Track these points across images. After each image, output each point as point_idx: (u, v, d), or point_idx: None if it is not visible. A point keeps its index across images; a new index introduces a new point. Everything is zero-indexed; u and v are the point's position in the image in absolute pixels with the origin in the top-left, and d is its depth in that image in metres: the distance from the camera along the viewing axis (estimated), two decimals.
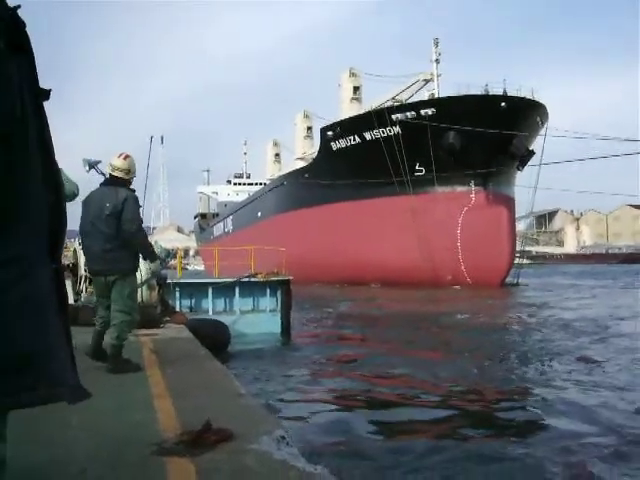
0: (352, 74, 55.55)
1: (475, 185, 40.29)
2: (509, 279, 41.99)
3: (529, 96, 39.99)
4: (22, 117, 1.45)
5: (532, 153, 41.22)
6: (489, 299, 29.23)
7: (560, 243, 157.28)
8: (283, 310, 16.76)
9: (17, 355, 1.39)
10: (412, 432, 7.65)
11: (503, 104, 37.75)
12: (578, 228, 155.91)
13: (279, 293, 16.91)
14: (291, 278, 17.27)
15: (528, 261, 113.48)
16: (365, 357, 13.46)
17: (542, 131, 41.96)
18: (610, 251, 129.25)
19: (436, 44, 45.28)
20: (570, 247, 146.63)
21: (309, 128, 63.68)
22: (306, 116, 65.39)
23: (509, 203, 42.54)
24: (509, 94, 39.20)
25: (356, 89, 55.39)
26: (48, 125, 1.61)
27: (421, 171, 40.35)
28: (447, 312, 22.39)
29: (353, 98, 54.83)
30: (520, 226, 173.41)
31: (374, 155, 40.23)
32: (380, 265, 40.58)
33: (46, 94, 1.62)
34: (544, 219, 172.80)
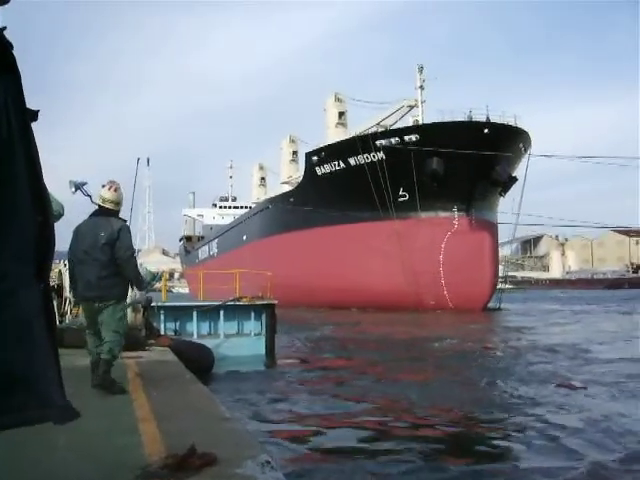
0: (337, 99, 56.13)
1: (458, 211, 40.69)
2: (491, 304, 42.34)
3: (512, 122, 40.55)
4: (8, 137, 1.44)
5: (514, 179, 41.78)
6: (471, 324, 29.43)
7: (545, 268, 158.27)
8: (268, 334, 16.78)
9: (4, 375, 1.35)
10: (393, 455, 7.61)
11: (486, 130, 38.25)
12: (563, 253, 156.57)
13: (264, 317, 16.94)
14: (276, 302, 17.29)
15: (510, 286, 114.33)
16: (348, 381, 13.51)
17: (525, 157, 42.62)
18: (595, 276, 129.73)
19: (420, 71, 45.87)
20: (555, 272, 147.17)
21: (294, 152, 64.17)
22: (292, 141, 65.92)
23: (492, 228, 42.98)
24: (492, 120, 39.68)
25: (341, 114, 55.93)
26: (36, 145, 1.61)
27: (405, 196, 40.72)
28: (429, 336, 22.53)
29: (338, 123, 55.35)
30: (505, 251, 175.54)
31: (358, 180, 40.61)
32: (364, 289, 40.75)
33: (34, 114, 1.64)
34: (529, 244, 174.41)
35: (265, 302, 17.17)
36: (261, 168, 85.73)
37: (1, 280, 1.32)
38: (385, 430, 8.96)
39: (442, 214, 40.91)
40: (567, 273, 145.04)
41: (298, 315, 33.41)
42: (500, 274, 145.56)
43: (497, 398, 11.38)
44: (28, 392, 1.40)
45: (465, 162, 37.08)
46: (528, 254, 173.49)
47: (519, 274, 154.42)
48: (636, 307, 44.42)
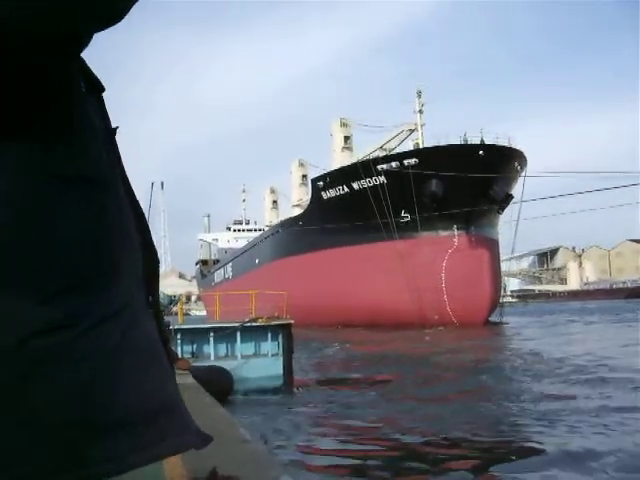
0: (343, 124, 58.13)
1: (458, 229, 42.40)
2: (493, 318, 43.94)
3: (506, 143, 42.30)
4: (108, 159, 1.39)
5: (511, 197, 43.54)
6: (471, 339, 30.35)
7: (563, 280, 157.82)
8: (285, 354, 16.62)
9: (145, 406, 1.31)
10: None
11: (481, 152, 40.01)
12: (581, 264, 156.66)
13: (280, 337, 16.84)
14: (292, 322, 17.26)
15: (515, 299, 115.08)
16: (365, 401, 13.38)
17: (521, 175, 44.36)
18: (615, 286, 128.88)
19: (419, 95, 47.93)
20: (573, 284, 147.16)
21: (304, 176, 65.94)
22: (301, 164, 67.85)
23: (491, 245, 44.59)
24: (487, 142, 41.47)
25: (347, 138, 57.99)
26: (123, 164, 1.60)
27: (406, 217, 42.49)
28: (436, 352, 23.19)
29: (344, 147, 57.38)
30: (523, 264, 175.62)
31: (362, 203, 42.52)
32: (371, 307, 42.46)
33: (114, 132, 1.57)
34: (546, 257, 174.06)
35: (281, 322, 17.12)
36: (272, 191, 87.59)
37: (123, 310, 1.25)
38: (404, 451, 8.92)
39: (442, 233, 42.65)
40: (585, 284, 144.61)
41: (307, 334, 34.41)
42: (516, 287, 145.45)
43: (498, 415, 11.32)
44: (167, 421, 1.34)
45: (463, 183, 38.79)
46: (545, 267, 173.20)
47: (536, 287, 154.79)
48: None
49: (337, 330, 40.93)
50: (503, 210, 44.35)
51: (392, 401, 13.27)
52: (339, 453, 8.90)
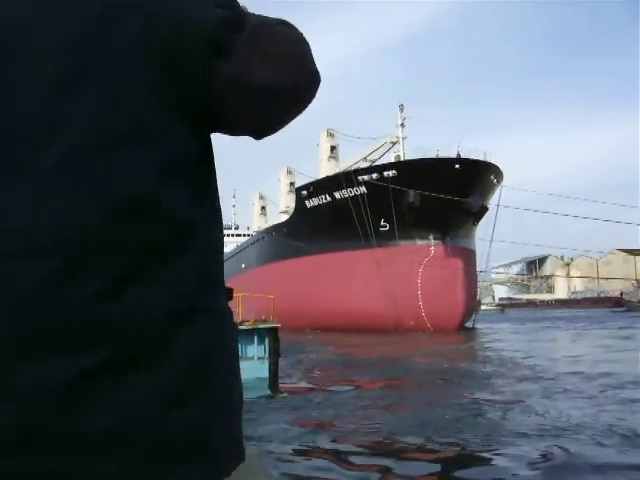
0: (330, 134, 59.93)
1: (434, 239, 44.34)
2: (467, 324, 46.01)
3: (482, 158, 44.31)
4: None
5: (486, 209, 45.49)
6: (444, 344, 31.64)
7: (551, 289, 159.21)
8: (271, 357, 16.49)
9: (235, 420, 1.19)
10: None
11: (457, 166, 41.92)
12: (569, 273, 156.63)
13: (267, 340, 16.78)
14: (279, 325, 17.23)
15: (493, 307, 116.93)
16: (348, 405, 13.08)
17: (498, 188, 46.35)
18: (603, 295, 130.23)
19: (401, 109, 49.89)
20: (561, 293, 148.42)
21: (292, 184, 67.45)
22: (289, 172, 69.55)
23: (467, 254, 46.52)
24: (463, 156, 43.43)
25: (333, 148, 59.84)
26: None
27: (385, 226, 44.41)
28: (408, 355, 24.24)
29: (330, 156, 59.21)
30: (512, 272, 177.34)
31: (343, 212, 44.46)
32: (350, 312, 44.26)
33: None
34: (534, 265, 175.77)
35: (268, 325, 17.10)
36: (261, 197, 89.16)
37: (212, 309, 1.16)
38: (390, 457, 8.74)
39: (419, 242, 44.58)
40: (573, 293, 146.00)
41: (290, 337, 35.37)
42: (504, 295, 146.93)
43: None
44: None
45: (439, 195, 40.75)
46: (534, 275, 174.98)
47: (524, 296, 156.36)
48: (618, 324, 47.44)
49: (318, 334, 42.27)
50: (478, 222, 46.37)
51: (370, 401, 13.27)
52: (326, 457, 8.69)
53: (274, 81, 1.19)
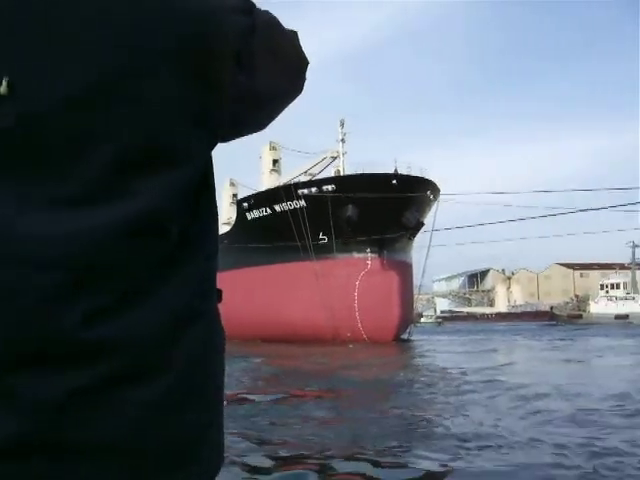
0: (272, 147, 60.39)
1: (371, 252, 45.35)
2: (404, 335, 47.30)
3: (419, 174, 45.59)
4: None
5: (422, 224, 46.78)
6: (379, 355, 32.79)
7: (492, 302, 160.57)
8: None
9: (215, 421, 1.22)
10: None
11: (394, 181, 43.13)
12: (509, 287, 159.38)
13: None
14: None
15: (432, 320, 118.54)
16: (281, 415, 13.09)
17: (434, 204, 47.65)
18: (541, 309, 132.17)
19: (342, 125, 50.94)
20: (501, 306, 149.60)
21: (234, 195, 67.40)
22: (232, 184, 69.70)
23: (403, 268, 47.64)
24: (400, 172, 44.67)
25: (275, 161, 60.38)
26: None
27: (324, 239, 45.30)
28: (345, 366, 25.06)
29: (272, 170, 59.77)
30: (453, 285, 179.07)
31: (282, 225, 45.24)
32: (289, 323, 44.95)
33: None
34: (476, 278, 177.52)
35: None
36: None
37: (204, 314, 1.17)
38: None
39: (357, 255, 45.55)
40: (512, 307, 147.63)
41: (229, 348, 35.77)
42: (446, 308, 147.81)
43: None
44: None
45: (376, 210, 41.71)
46: (475, 288, 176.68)
47: (465, 309, 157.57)
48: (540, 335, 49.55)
49: (257, 344, 42.35)
50: (414, 236, 47.67)
51: (304, 412, 13.33)
52: (255, 471, 8.65)
53: (282, 87, 1.25)
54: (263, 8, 1.21)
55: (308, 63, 1.27)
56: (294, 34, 1.25)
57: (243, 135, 1.31)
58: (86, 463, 0.98)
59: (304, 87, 1.30)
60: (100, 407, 0.99)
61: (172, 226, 1.07)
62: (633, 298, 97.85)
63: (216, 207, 1.25)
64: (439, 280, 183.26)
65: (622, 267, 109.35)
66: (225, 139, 1.26)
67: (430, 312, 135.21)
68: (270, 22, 1.19)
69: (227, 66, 1.11)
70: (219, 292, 1.28)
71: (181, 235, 1.09)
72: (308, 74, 1.30)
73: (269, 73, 1.18)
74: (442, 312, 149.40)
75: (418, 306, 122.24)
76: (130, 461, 1.01)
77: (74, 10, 1.01)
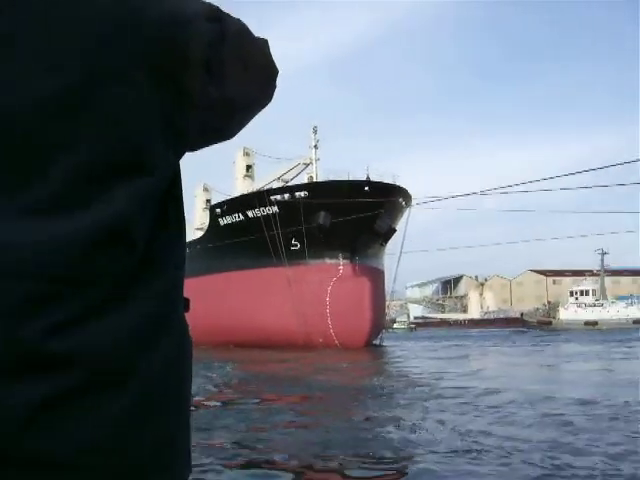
0: (246, 153, 60.49)
1: (343, 259, 45.57)
2: (376, 341, 47.57)
3: (391, 181, 45.86)
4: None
5: (394, 231, 47.03)
6: (350, 360, 32.82)
7: (465, 308, 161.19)
8: None
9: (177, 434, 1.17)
10: None
11: (366, 188, 43.38)
12: (482, 293, 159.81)
13: None
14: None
15: (404, 326, 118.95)
16: (252, 422, 13.11)
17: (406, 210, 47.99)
18: (512, 315, 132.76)
19: (315, 131, 51.20)
20: (474, 312, 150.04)
21: (208, 201, 67.29)
22: (205, 189, 69.52)
23: (375, 274, 47.91)
24: (372, 179, 44.90)
25: (249, 167, 60.49)
26: None
27: (296, 245, 45.44)
28: (316, 371, 25.32)
29: (246, 175, 59.83)
30: (427, 291, 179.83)
31: (256, 231, 45.38)
32: (261, 329, 44.94)
33: None
34: (449, 284, 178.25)
35: None
36: None
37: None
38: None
39: (329, 261, 45.73)
40: (485, 313, 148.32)
41: (201, 353, 35.09)
42: (419, 314, 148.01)
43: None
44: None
45: (349, 216, 42.15)
46: (449, 294, 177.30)
47: (438, 315, 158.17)
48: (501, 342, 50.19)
49: (230, 350, 42.79)
50: (386, 243, 47.96)
51: (276, 418, 13.44)
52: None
53: (252, 96, 1.24)
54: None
55: (278, 71, 1.26)
56: (264, 42, 1.24)
57: (211, 144, 1.31)
58: (48, 478, 0.95)
59: (274, 95, 1.29)
60: (64, 419, 0.96)
61: (139, 236, 1.06)
62: (602, 305, 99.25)
63: (184, 216, 1.22)
64: (412, 286, 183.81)
65: (592, 274, 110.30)
66: (193, 148, 1.25)
67: (403, 318, 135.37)
68: (240, 30, 1.18)
69: (196, 74, 1.09)
70: (187, 301, 1.25)
71: (148, 244, 1.08)
72: (278, 82, 1.30)
73: (239, 81, 1.17)
74: (415, 318, 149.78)
75: (391, 312, 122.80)
76: (94, 474, 0.99)
77: (41, 14, 0.99)
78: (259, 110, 1.30)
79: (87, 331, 0.98)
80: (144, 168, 1.05)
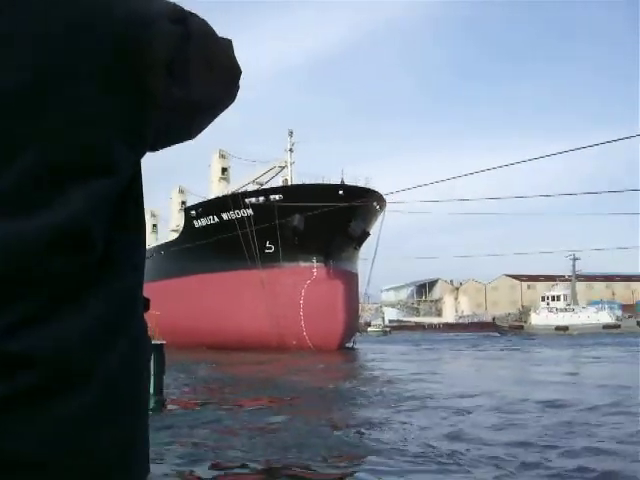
0: (221, 155, 60.70)
1: (317, 261, 45.92)
2: (348, 344, 47.88)
3: (365, 184, 46.22)
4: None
5: (367, 234, 47.36)
6: (322, 362, 33.25)
7: (440, 312, 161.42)
8: (156, 375, 16.73)
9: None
10: None
11: (340, 192, 43.68)
12: (457, 297, 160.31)
13: (152, 358, 17.24)
14: (164, 342, 18.01)
15: (379, 329, 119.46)
16: (224, 423, 13.36)
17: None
18: (486, 319, 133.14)
19: (290, 135, 51.38)
20: (449, 316, 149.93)
21: (183, 202, 67.21)
22: (181, 191, 69.46)
23: (349, 277, 48.33)
24: (347, 182, 45.21)
25: (224, 170, 60.67)
26: None
27: (270, 248, 45.67)
28: (288, 373, 25.91)
29: (221, 178, 59.97)
30: (402, 295, 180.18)
31: (230, 233, 45.45)
32: (235, 331, 45.10)
33: None
34: (424, 288, 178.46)
35: (153, 343, 17.60)
36: (153, 215, 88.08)
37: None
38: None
39: (303, 264, 46.04)
40: (460, 317, 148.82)
41: (176, 355, 34.50)
42: (394, 317, 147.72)
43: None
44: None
45: (323, 219, 42.24)
46: (423, 298, 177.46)
47: (413, 319, 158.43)
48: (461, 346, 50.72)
49: (203, 351, 42.39)
50: (360, 246, 48.27)
51: (246, 421, 13.56)
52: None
53: (216, 96, 1.24)
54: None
55: (241, 72, 1.27)
56: (228, 43, 1.24)
57: (174, 144, 1.30)
58: (15, 477, 0.94)
59: (237, 96, 1.29)
60: (25, 419, 0.95)
61: (97, 236, 1.03)
62: (573, 310, 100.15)
63: (144, 217, 1.20)
64: (387, 290, 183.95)
65: (564, 279, 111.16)
66: (156, 148, 1.24)
67: (378, 321, 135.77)
68: (204, 31, 1.17)
69: (160, 74, 1.08)
70: (147, 301, 1.24)
71: (107, 245, 1.05)
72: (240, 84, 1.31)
73: (203, 82, 1.17)
74: (390, 321, 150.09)
75: (366, 315, 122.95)
76: (60, 473, 0.98)
77: (7, 10, 0.98)
78: (222, 110, 1.30)
79: (44, 331, 0.97)
80: (101, 169, 1.03)
